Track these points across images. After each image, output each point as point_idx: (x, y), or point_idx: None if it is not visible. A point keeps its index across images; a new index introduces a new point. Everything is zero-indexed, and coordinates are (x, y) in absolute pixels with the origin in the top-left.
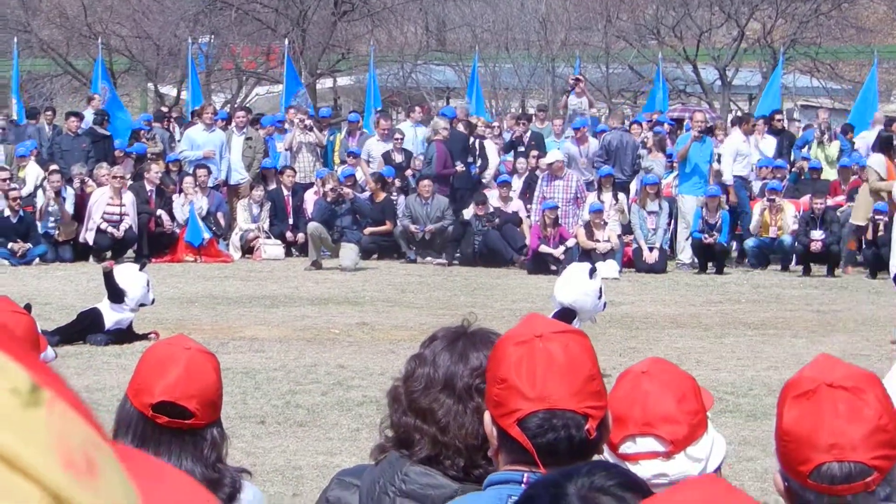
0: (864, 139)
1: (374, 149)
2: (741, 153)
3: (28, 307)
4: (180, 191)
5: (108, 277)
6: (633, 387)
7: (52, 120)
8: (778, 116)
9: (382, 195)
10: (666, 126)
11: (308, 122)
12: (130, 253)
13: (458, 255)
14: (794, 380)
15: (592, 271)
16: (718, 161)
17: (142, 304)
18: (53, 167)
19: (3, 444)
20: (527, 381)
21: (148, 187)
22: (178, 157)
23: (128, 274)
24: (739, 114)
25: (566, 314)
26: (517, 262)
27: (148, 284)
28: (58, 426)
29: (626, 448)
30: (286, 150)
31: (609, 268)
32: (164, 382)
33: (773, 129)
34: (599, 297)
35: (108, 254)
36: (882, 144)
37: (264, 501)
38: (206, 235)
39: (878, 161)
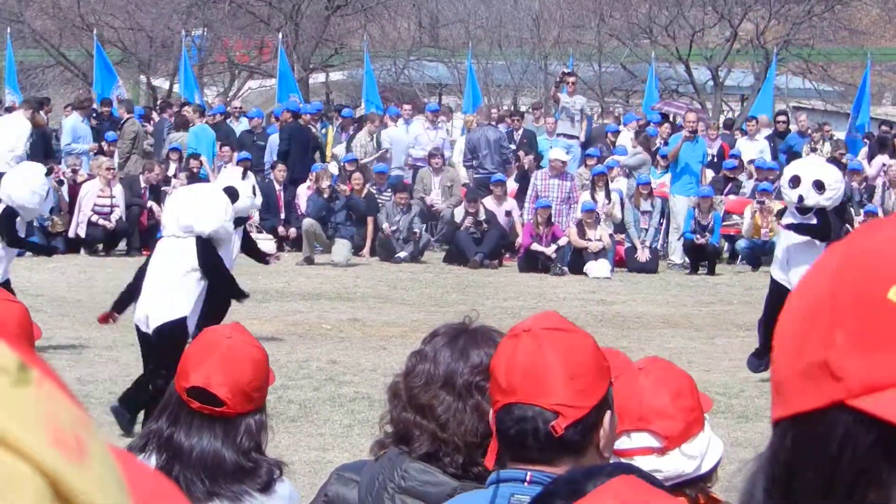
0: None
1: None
2: None
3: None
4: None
5: None
6: (630, 383)
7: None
8: (781, 118)
9: (365, 190)
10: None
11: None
12: (122, 245)
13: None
14: None
15: None
16: (710, 162)
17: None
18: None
19: None
20: (504, 374)
21: (143, 183)
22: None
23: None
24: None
25: None
26: (479, 263)
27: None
28: (47, 405)
29: (621, 444)
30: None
31: (600, 267)
32: (200, 368)
33: (777, 132)
34: None
35: (101, 246)
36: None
37: (299, 499)
38: None
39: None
